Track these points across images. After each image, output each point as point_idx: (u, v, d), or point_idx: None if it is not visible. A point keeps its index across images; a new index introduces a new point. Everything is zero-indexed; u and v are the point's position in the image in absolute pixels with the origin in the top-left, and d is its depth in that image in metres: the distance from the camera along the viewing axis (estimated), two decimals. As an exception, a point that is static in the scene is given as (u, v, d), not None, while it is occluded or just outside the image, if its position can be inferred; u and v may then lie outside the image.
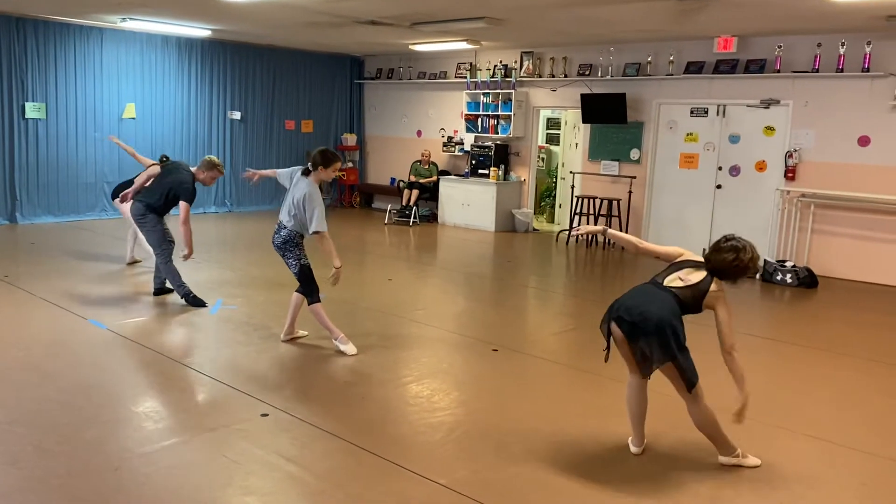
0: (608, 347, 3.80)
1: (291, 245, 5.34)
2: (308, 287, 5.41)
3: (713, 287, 3.60)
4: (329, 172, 5.28)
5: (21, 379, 4.61)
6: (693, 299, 3.61)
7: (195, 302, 6.51)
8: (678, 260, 3.80)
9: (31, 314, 6.14)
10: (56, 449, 3.66)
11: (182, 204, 6.42)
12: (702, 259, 3.68)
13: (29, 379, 4.62)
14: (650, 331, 3.51)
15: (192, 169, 6.66)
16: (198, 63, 12.48)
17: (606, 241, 11.00)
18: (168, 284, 6.76)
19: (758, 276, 8.81)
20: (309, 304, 5.43)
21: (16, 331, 5.64)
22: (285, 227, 5.35)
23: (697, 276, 3.64)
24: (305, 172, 5.32)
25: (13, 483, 3.31)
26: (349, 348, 5.37)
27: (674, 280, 3.68)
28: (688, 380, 3.58)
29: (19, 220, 10.81)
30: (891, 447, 4.10)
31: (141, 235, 8.01)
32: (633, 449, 3.88)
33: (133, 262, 8.11)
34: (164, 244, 6.61)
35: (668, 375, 3.64)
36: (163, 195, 6.54)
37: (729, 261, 3.56)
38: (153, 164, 7.31)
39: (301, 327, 5.73)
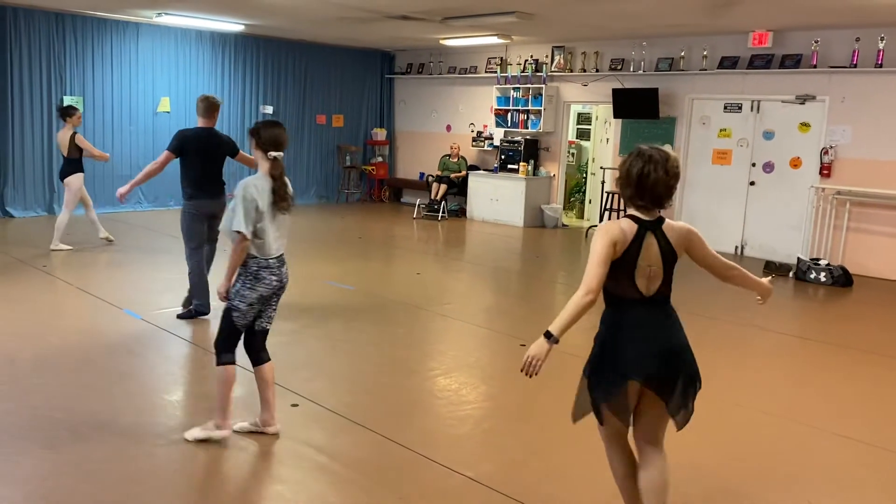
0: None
1: None
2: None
3: (671, 233, 2.75)
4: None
5: (58, 366, 4.72)
6: (671, 261, 2.77)
7: None
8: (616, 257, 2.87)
9: (68, 304, 6.28)
10: (91, 435, 3.75)
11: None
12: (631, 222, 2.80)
13: (66, 366, 4.72)
14: (690, 372, 2.79)
15: (201, 126, 5.76)
16: (231, 57, 12.62)
17: None
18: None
19: (791, 273, 8.69)
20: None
21: (54, 319, 5.78)
22: None
23: (652, 249, 2.76)
24: None
25: (49, 467, 3.40)
26: (195, 433, 3.71)
27: (650, 282, 2.81)
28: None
29: (57, 212, 11.00)
30: (926, 449, 4.03)
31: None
32: None
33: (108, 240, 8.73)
34: None
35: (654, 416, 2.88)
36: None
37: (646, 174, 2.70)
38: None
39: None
